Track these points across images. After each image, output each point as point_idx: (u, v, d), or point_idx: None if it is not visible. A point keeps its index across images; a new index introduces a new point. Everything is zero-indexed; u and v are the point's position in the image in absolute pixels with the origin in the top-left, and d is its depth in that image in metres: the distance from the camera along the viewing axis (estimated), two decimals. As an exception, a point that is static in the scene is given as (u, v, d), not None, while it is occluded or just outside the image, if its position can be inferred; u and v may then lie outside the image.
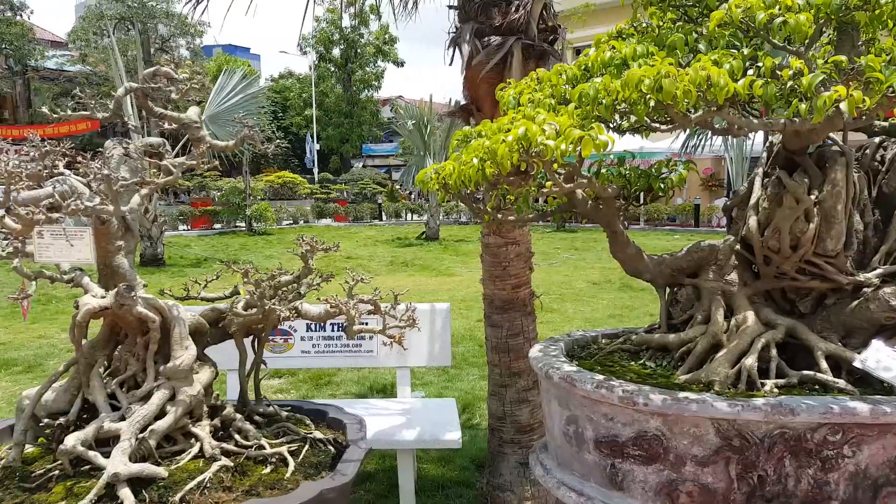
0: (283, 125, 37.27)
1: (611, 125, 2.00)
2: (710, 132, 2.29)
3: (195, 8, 3.93)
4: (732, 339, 2.05)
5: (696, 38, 2.00)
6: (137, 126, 10.90)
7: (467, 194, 2.19)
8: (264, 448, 2.17)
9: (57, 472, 1.98)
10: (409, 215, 28.96)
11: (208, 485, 1.93)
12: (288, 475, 2.05)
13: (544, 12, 3.37)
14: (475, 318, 8.10)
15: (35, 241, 2.24)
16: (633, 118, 1.93)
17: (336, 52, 39.05)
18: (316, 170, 35.69)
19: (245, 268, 2.40)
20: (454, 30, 3.50)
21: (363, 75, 39.11)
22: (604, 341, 2.52)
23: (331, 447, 2.30)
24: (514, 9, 3.25)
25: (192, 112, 2.48)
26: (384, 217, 28.29)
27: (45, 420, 2.17)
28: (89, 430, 1.99)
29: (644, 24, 2.27)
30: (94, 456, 1.93)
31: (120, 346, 2.28)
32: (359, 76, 39.00)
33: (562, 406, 2.08)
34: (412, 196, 31.30)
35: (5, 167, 2.05)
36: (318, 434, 2.35)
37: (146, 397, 2.13)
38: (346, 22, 36.53)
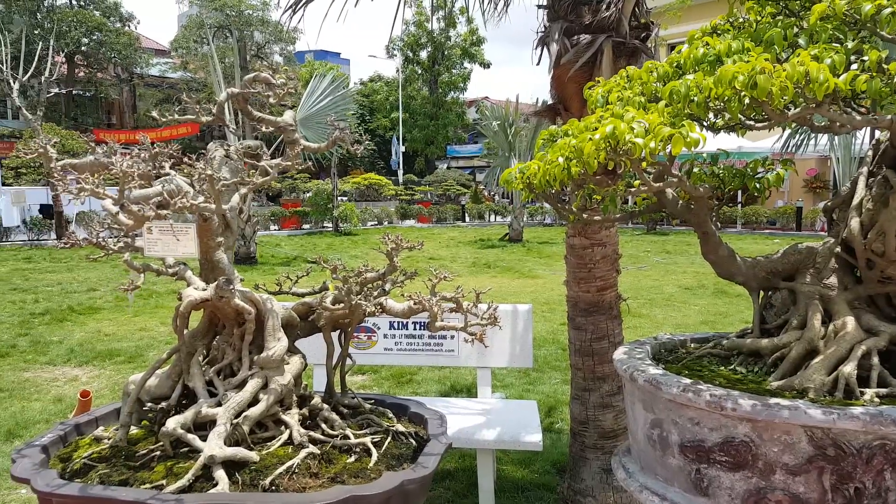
0: (370, 128, 38.10)
1: (704, 123, 1.95)
2: (810, 130, 2.18)
3: (291, 17, 4.08)
4: (830, 346, 1.96)
5: (796, 33, 1.92)
6: (236, 129, 11.40)
7: (552, 194, 2.18)
8: (349, 438, 2.23)
9: (158, 452, 2.10)
10: (493, 217, 28.99)
11: (296, 470, 2.01)
12: (371, 465, 2.11)
13: (636, 9, 3.30)
14: (558, 321, 8.02)
15: (144, 236, 2.41)
16: (727, 116, 1.87)
17: (423, 54, 39.59)
18: (401, 171, 36.29)
19: (333, 264, 2.48)
20: (542, 29, 3.49)
21: (450, 77, 39.47)
22: (692, 345, 2.46)
23: (412, 440, 2.35)
24: (604, 6, 3.20)
25: (288, 115, 2.58)
26: (467, 218, 28.44)
27: (149, 404, 2.31)
28: (188, 415, 2.10)
29: (741, 20, 2.19)
30: (193, 439, 2.04)
31: (218, 337, 2.40)
32: (445, 78, 39.40)
33: (646, 409, 2.04)
34: (496, 197, 31.30)
35: (119, 167, 2.20)
36: (400, 427, 2.40)
37: (241, 385, 2.23)
38: (434, 24, 37.03)
